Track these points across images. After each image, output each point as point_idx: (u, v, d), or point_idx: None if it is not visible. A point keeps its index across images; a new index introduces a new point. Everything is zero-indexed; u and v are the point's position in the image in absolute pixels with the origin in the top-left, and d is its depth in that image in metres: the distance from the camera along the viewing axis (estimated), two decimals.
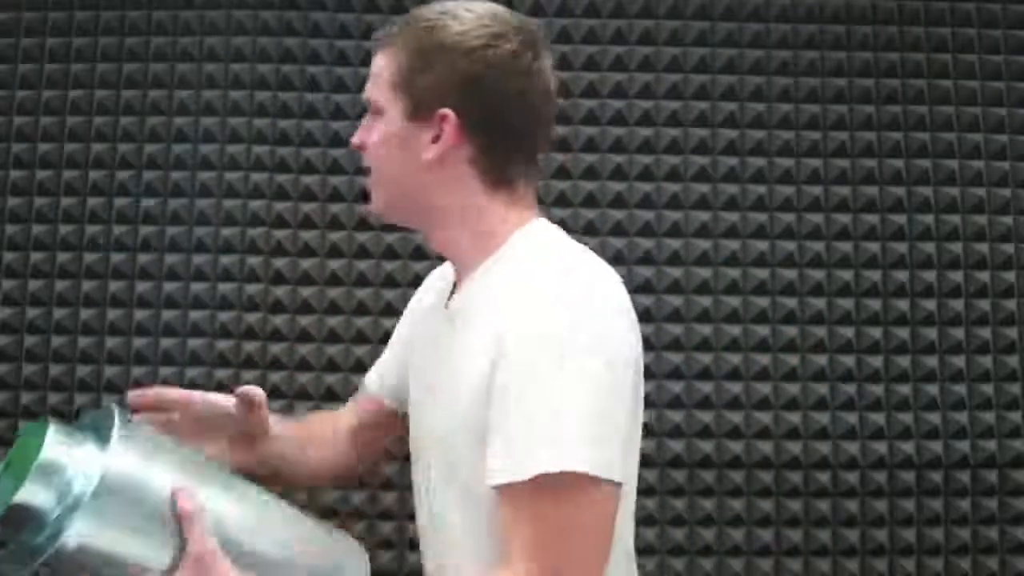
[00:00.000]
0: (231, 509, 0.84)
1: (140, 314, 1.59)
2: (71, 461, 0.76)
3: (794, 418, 1.55)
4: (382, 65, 0.94)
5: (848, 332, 1.58)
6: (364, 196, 1.59)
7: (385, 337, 1.57)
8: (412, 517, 1.54)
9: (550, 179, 1.59)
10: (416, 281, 1.57)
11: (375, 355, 1.57)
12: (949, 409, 1.56)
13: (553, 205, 1.58)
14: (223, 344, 1.58)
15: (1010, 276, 1.59)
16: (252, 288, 1.59)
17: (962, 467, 1.54)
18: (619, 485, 0.82)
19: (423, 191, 0.94)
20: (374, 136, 0.95)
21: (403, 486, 1.55)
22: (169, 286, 1.59)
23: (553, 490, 0.80)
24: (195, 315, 1.58)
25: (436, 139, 0.92)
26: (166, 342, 1.58)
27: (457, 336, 0.94)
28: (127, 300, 1.59)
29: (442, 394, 0.94)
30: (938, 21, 1.64)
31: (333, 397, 1.56)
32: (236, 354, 1.57)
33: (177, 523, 0.78)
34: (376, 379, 1.19)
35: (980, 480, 1.54)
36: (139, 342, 1.58)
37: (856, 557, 1.53)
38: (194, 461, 0.86)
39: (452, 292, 1.00)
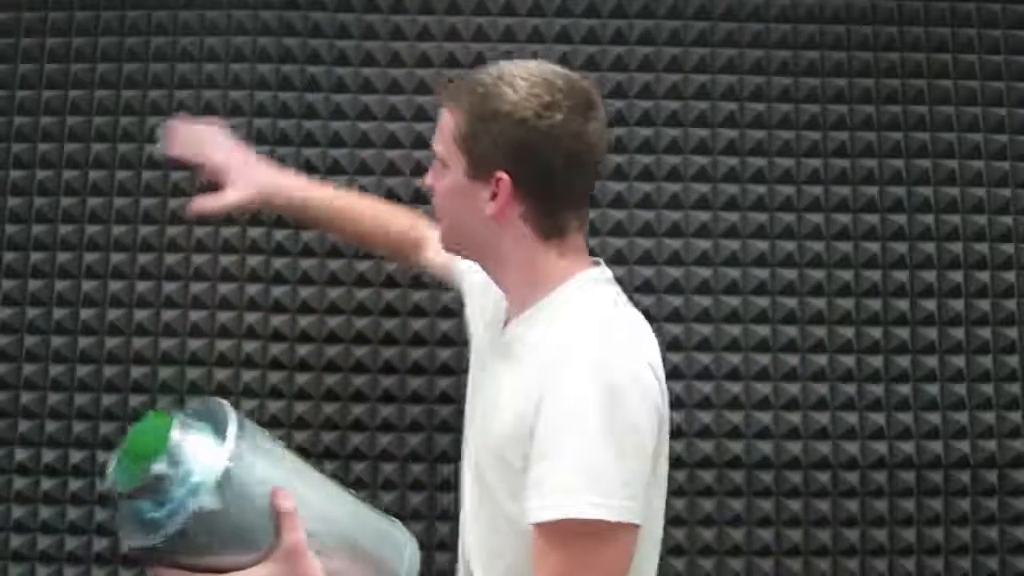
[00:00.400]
0: (320, 505, 0.95)
1: (140, 314, 1.59)
2: (194, 450, 0.85)
3: (794, 418, 1.55)
4: (445, 121, 1.04)
5: (848, 332, 1.58)
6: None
7: (385, 337, 1.58)
8: (413, 516, 1.54)
9: None
10: (416, 282, 1.58)
11: (375, 355, 1.58)
12: (949, 409, 1.56)
13: None
14: (223, 344, 1.58)
15: (1010, 276, 1.59)
16: (252, 288, 1.59)
17: (962, 467, 1.54)
18: (639, 526, 0.92)
19: (482, 238, 1.04)
20: (440, 185, 1.05)
21: (404, 485, 1.55)
22: (169, 286, 1.59)
23: (579, 531, 0.89)
24: (195, 315, 1.58)
25: (493, 196, 1.00)
26: (166, 342, 1.58)
27: (503, 369, 1.05)
28: (127, 300, 1.59)
29: (484, 421, 1.06)
30: (938, 21, 1.64)
31: (333, 397, 1.56)
32: (236, 354, 1.57)
33: (274, 518, 0.87)
34: (461, 266, 1.28)
35: (980, 480, 1.54)
36: (139, 342, 1.58)
37: (856, 557, 1.53)
38: (291, 459, 0.96)
39: (505, 315, 1.11)
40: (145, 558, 0.87)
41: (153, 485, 0.83)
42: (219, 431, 0.88)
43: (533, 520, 0.91)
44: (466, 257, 1.13)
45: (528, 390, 0.95)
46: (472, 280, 1.22)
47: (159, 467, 0.83)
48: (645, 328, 1.01)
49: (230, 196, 1.26)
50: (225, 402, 0.92)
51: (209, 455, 0.85)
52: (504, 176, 0.99)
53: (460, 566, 1.11)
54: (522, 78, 1.00)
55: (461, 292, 1.28)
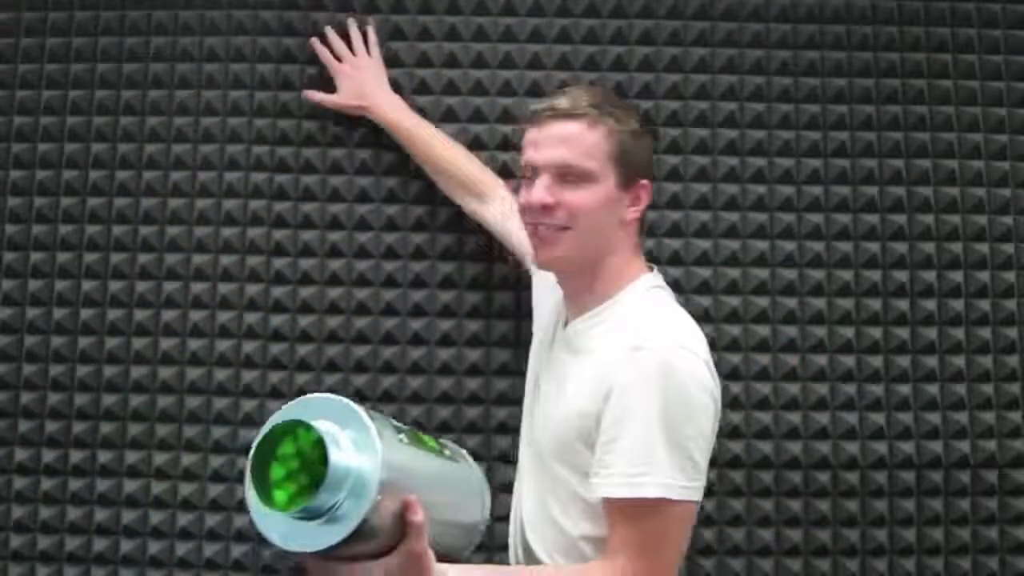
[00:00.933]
0: (436, 494, 1.03)
1: (140, 314, 1.59)
2: (346, 459, 0.90)
3: (794, 418, 1.55)
4: (590, 137, 1.13)
5: (848, 332, 1.58)
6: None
7: (385, 337, 1.58)
8: None
9: None
10: (416, 281, 1.58)
11: (375, 355, 1.58)
12: (949, 409, 1.56)
13: None
14: (223, 344, 1.58)
15: (1010, 276, 1.59)
16: (252, 288, 1.59)
17: (962, 467, 1.54)
18: (698, 502, 1.07)
19: (608, 245, 1.16)
20: (588, 199, 1.13)
21: None
22: (169, 286, 1.59)
23: (645, 506, 1.02)
24: (195, 315, 1.58)
25: (632, 203, 1.16)
26: (166, 342, 1.58)
27: (569, 363, 1.17)
28: (127, 300, 1.59)
29: (548, 405, 1.18)
30: (938, 21, 1.64)
31: None
32: (236, 354, 1.57)
33: (403, 525, 0.94)
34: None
35: (980, 480, 1.54)
36: (139, 342, 1.58)
37: (856, 557, 1.53)
38: (395, 444, 0.99)
39: (566, 312, 1.24)
40: (289, 560, 0.92)
41: (318, 501, 0.88)
42: (347, 427, 0.93)
43: (604, 495, 1.05)
44: (568, 271, 1.19)
45: (596, 382, 1.08)
46: (545, 273, 1.29)
47: (326, 489, 0.87)
48: (697, 329, 1.14)
49: (335, 98, 1.55)
50: (348, 400, 0.96)
51: (359, 460, 0.90)
52: (648, 183, 1.17)
53: (514, 537, 1.23)
54: (625, 101, 1.22)
55: (532, 274, 1.40)
